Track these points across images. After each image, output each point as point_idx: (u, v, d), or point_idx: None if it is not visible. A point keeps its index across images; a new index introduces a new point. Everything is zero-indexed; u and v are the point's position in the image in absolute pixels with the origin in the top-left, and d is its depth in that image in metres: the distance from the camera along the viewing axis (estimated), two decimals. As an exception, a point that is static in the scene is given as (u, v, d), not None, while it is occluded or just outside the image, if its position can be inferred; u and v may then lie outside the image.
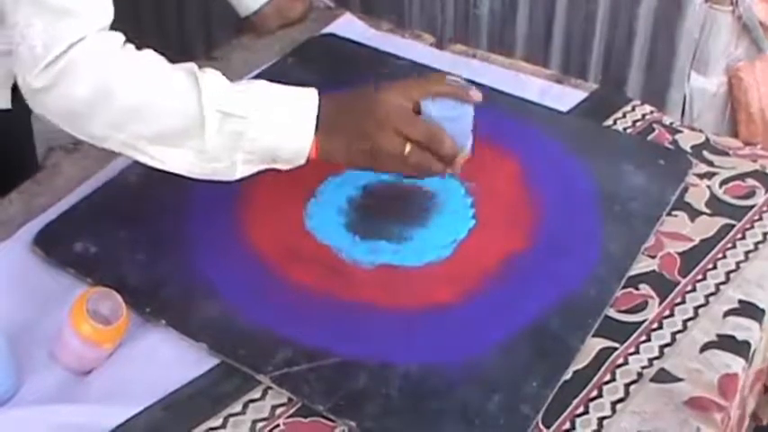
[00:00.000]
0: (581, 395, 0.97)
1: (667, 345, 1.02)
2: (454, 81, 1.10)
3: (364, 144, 1.05)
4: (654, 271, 1.11)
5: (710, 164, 1.26)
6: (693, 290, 1.08)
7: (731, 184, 1.22)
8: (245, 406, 0.97)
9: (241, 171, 1.05)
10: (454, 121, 1.07)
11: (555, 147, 1.28)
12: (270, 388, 0.98)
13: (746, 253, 1.13)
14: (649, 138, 1.31)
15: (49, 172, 1.25)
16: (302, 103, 1.05)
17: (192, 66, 1.04)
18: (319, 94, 1.06)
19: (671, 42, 1.75)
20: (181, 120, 1.01)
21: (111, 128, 1.01)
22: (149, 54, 1.04)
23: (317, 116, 1.04)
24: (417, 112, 1.06)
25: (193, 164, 1.04)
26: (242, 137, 1.02)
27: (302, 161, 1.06)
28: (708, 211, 1.18)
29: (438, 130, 1.05)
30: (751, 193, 1.21)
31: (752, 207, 1.19)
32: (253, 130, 1.02)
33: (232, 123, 1.01)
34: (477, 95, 1.09)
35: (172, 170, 1.05)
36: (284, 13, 1.54)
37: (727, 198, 1.20)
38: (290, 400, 0.97)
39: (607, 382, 0.98)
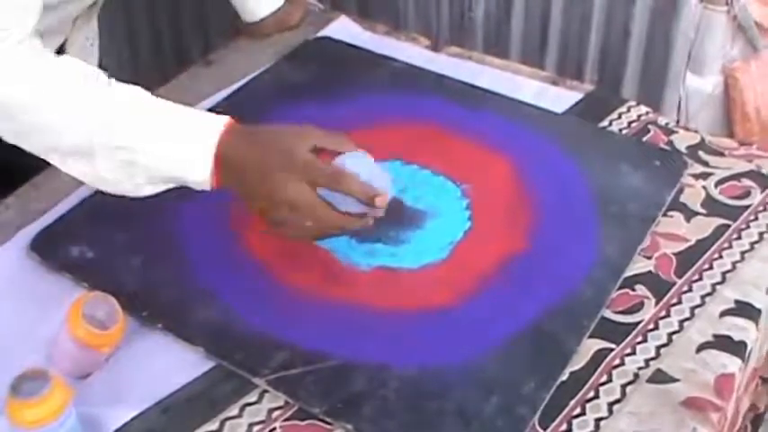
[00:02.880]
0: (578, 396, 0.97)
1: (663, 345, 1.02)
2: (362, 176, 1.03)
3: (262, 195, 1.03)
4: (650, 272, 1.11)
5: (706, 164, 1.26)
6: (689, 290, 1.08)
7: (727, 184, 1.22)
8: (242, 409, 0.97)
9: (148, 190, 1.05)
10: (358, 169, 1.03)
11: (550, 148, 1.28)
12: (266, 391, 0.98)
13: (742, 253, 1.13)
14: (645, 138, 1.31)
15: (45, 176, 1.25)
16: (202, 136, 1.02)
17: (100, 78, 1.03)
18: (228, 123, 1.02)
19: (666, 43, 1.75)
20: (76, 144, 1.02)
21: (16, 138, 1.03)
22: (60, 67, 1.03)
23: (216, 151, 1.01)
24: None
25: (97, 181, 1.05)
26: (135, 165, 1.02)
27: (207, 188, 1.04)
28: (703, 211, 1.19)
29: (343, 222, 1.03)
30: (746, 194, 1.21)
31: (747, 207, 1.19)
32: (145, 161, 1.01)
33: (123, 154, 1.01)
34: (381, 203, 1.04)
35: (83, 181, 1.06)
36: (284, 21, 1.54)
37: (723, 198, 1.20)
38: (286, 403, 0.97)
39: (603, 383, 0.98)
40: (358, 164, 1.03)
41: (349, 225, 1.05)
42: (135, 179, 1.03)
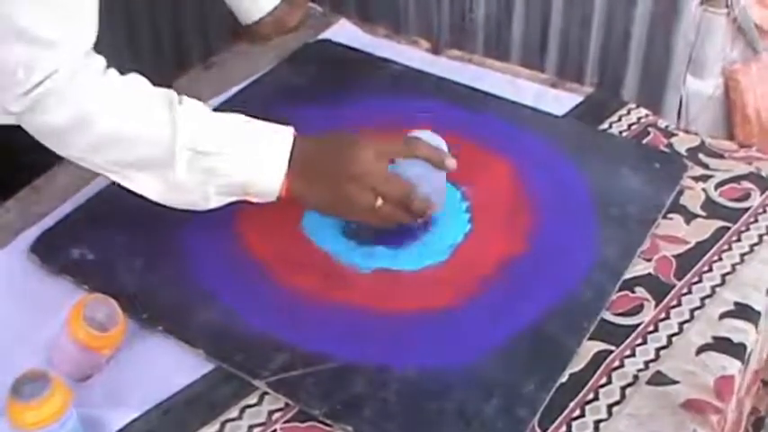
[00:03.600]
0: (577, 398, 0.97)
1: (663, 347, 1.02)
2: (432, 144, 1.12)
3: (336, 194, 1.08)
4: (649, 274, 1.11)
5: (706, 166, 1.26)
6: (689, 292, 1.08)
7: (726, 186, 1.23)
8: (242, 411, 0.97)
9: (215, 202, 1.08)
10: (426, 177, 1.10)
11: (551, 151, 1.28)
12: (266, 393, 0.98)
13: (742, 255, 1.13)
14: (645, 141, 1.31)
15: (46, 179, 1.25)
16: (276, 142, 1.07)
17: (172, 95, 1.05)
18: (296, 133, 1.08)
19: (666, 45, 1.75)
20: (154, 152, 1.04)
21: (86, 152, 1.05)
22: (131, 81, 1.06)
23: (290, 157, 1.06)
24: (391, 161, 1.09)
25: (165, 192, 1.07)
26: (213, 172, 1.05)
27: (273, 198, 1.08)
28: (703, 213, 1.19)
29: (410, 190, 1.09)
30: (746, 196, 1.21)
31: (747, 209, 1.19)
32: (224, 166, 1.05)
33: (203, 160, 1.04)
34: (451, 164, 1.11)
35: (146, 195, 1.08)
36: (283, 22, 1.54)
37: (723, 200, 1.21)
38: (286, 405, 0.97)
39: (603, 385, 0.99)
40: (417, 168, 1.10)
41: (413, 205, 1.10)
42: (208, 188, 1.06)
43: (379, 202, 1.08)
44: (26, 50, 0.98)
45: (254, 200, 1.09)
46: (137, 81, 1.06)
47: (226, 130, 1.07)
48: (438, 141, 1.13)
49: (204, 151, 1.04)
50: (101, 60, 1.04)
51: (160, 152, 1.03)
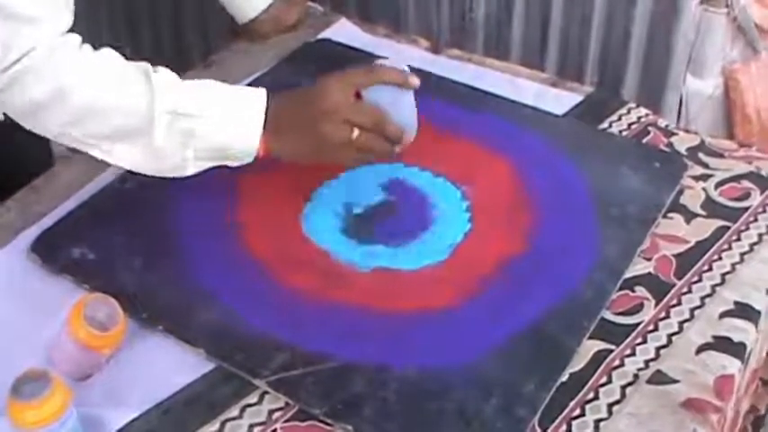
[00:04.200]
0: (577, 397, 0.97)
1: (663, 346, 1.02)
2: (391, 66, 1.15)
3: (312, 136, 1.09)
4: (649, 273, 1.11)
5: (706, 166, 1.26)
6: (689, 291, 1.08)
7: (726, 185, 1.23)
8: (242, 410, 0.97)
9: (192, 167, 1.09)
10: (396, 105, 1.12)
11: (551, 150, 1.28)
12: (267, 392, 0.98)
13: (742, 254, 1.13)
14: (645, 140, 1.31)
15: (45, 179, 1.25)
16: (251, 102, 1.09)
17: (145, 65, 1.07)
18: (268, 92, 1.09)
19: (666, 45, 1.75)
20: (132, 119, 1.05)
21: (65, 126, 1.05)
22: (105, 54, 1.07)
23: (265, 115, 1.08)
24: (358, 97, 1.11)
25: (145, 161, 1.08)
26: (192, 135, 1.06)
27: (250, 159, 1.10)
28: (703, 213, 1.19)
29: (382, 113, 1.10)
30: (746, 195, 1.21)
31: (747, 209, 1.19)
32: (203, 128, 1.06)
33: (182, 122, 1.05)
34: (414, 81, 1.14)
35: (124, 166, 1.10)
36: (280, 20, 1.54)
37: (723, 200, 1.21)
38: (286, 404, 0.97)
39: (603, 384, 0.99)
40: (384, 94, 1.12)
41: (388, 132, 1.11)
42: (187, 152, 1.07)
43: (355, 132, 1.09)
44: (4, 28, 0.99)
45: (233, 163, 1.10)
46: (111, 54, 1.07)
47: (202, 93, 1.08)
48: (399, 65, 1.15)
49: (183, 113, 1.05)
50: (76, 37, 1.05)
51: (138, 120, 1.04)
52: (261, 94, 1.09)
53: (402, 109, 1.13)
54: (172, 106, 1.05)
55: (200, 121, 1.06)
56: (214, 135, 1.07)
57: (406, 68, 1.15)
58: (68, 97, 1.02)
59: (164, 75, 1.07)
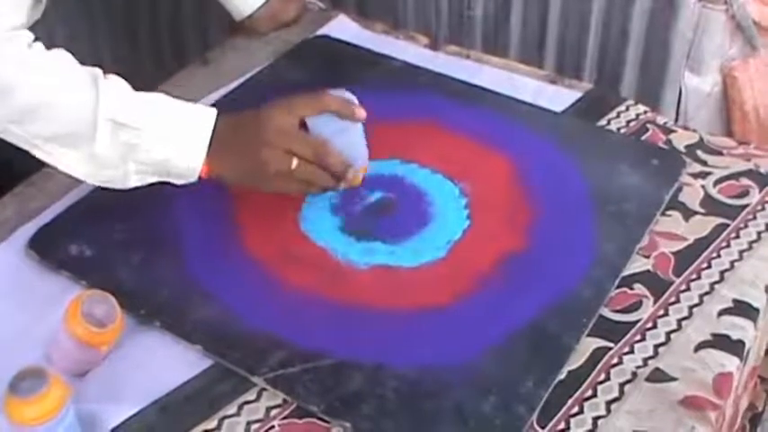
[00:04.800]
0: (576, 395, 0.97)
1: (662, 344, 1.02)
2: (341, 97, 1.12)
3: (252, 162, 1.07)
4: (648, 270, 1.11)
5: (704, 163, 1.26)
6: (688, 289, 1.08)
7: (725, 183, 1.22)
8: (240, 408, 0.97)
9: (134, 180, 1.08)
10: (342, 135, 1.10)
11: (549, 147, 1.28)
12: (264, 389, 0.98)
13: (741, 252, 1.13)
14: (643, 138, 1.31)
15: (43, 175, 1.25)
16: (199, 121, 1.07)
17: (96, 71, 1.05)
18: (218, 113, 1.08)
19: (665, 42, 1.75)
20: (75, 125, 1.03)
21: (9, 123, 1.04)
22: (56, 54, 1.05)
23: (211, 137, 1.06)
24: (304, 127, 1.09)
25: (85, 168, 1.07)
26: (134, 148, 1.05)
27: (194, 179, 1.08)
28: (702, 210, 1.19)
29: (324, 144, 1.08)
30: (745, 193, 1.21)
31: (746, 206, 1.19)
32: (145, 142, 1.05)
33: (125, 134, 1.04)
34: (360, 114, 1.11)
35: (67, 171, 1.08)
36: (278, 17, 1.54)
37: (722, 197, 1.20)
38: (284, 401, 0.97)
39: (602, 382, 0.99)
40: (329, 124, 1.10)
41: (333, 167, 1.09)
42: (128, 164, 1.06)
43: (294, 162, 1.07)
44: None
45: (176, 181, 1.09)
46: (62, 55, 1.06)
47: (149, 106, 1.06)
48: (348, 96, 1.13)
49: (126, 124, 1.03)
50: (27, 34, 1.04)
51: (83, 124, 1.03)
52: (210, 113, 1.08)
53: (349, 141, 1.11)
54: (116, 115, 1.03)
55: (143, 135, 1.04)
56: (156, 150, 1.05)
57: (354, 99, 1.13)
58: (12, 94, 1.01)
59: (114, 82, 1.06)
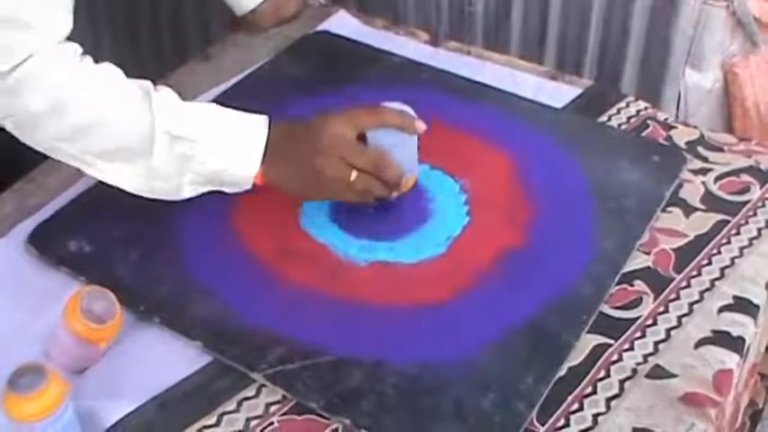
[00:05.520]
0: (575, 392, 0.97)
1: (662, 341, 1.02)
2: (400, 110, 1.12)
3: (309, 171, 1.07)
4: (648, 267, 1.10)
5: (705, 160, 1.26)
6: (688, 286, 1.08)
7: (726, 179, 1.22)
8: (240, 404, 0.97)
9: (187, 191, 1.08)
10: (398, 148, 1.10)
11: (549, 143, 1.28)
12: (264, 386, 0.98)
13: (741, 249, 1.13)
14: (644, 134, 1.31)
15: (42, 171, 1.25)
16: (252, 129, 1.07)
17: (147, 84, 1.05)
18: (270, 120, 1.08)
19: (666, 38, 1.75)
20: (131, 140, 1.03)
21: (60, 141, 1.04)
22: (106, 68, 1.05)
23: (266, 144, 1.06)
24: (362, 139, 1.09)
25: (140, 182, 1.07)
26: (190, 160, 1.04)
27: (248, 186, 1.09)
28: (702, 207, 1.18)
29: (382, 157, 1.08)
30: (745, 189, 1.21)
31: (746, 203, 1.19)
32: (201, 153, 1.04)
33: (181, 146, 1.03)
34: (421, 126, 1.11)
35: (119, 186, 1.08)
36: (279, 12, 1.54)
37: (722, 194, 1.20)
38: (284, 397, 0.97)
39: (601, 379, 0.98)
40: (387, 137, 1.10)
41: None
42: (184, 176, 1.06)
43: (353, 175, 1.07)
44: (3, 34, 0.97)
45: (229, 189, 1.09)
46: (111, 69, 1.06)
47: (203, 116, 1.06)
48: (406, 109, 1.13)
49: (181, 136, 1.03)
50: (76, 47, 1.04)
51: (138, 139, 1.03)
52: (263, 121, 1.07)
53: (404, 154, 1.12)
54: (172, 128, 1.03)
55: (198, 146, 1.04)
56: (212, 160, 1.05)
57: (412, 112, 1.13)
58: (66, 111, 1.01)
59: (165, 94, 1.06)
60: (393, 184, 1.10)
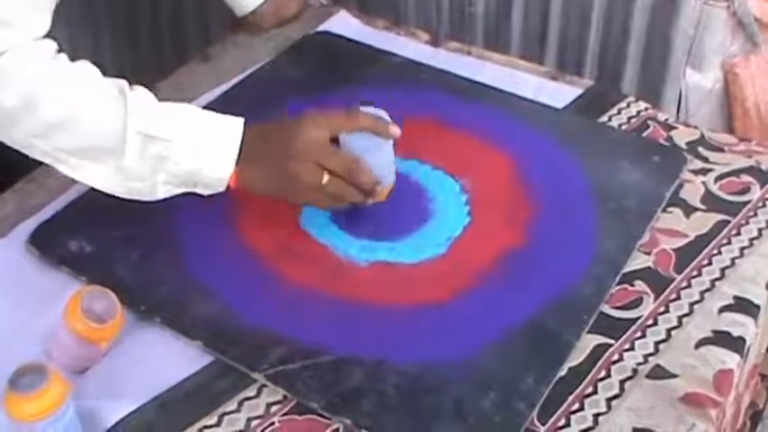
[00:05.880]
0: (576, 392, 0.97)
1: (662, 341, 1.02)
2: (375, 115, 1.11)
3: (282, 174, 1.07)
4: (649, 267, 1.10)
5: (705, 160, 1.26)
6: (688, 286, 1.08)
7: (726, 180, 1.22)
8: (240, 404, 0.97)
9: (162, 192, 1.07)
10: (373, 152, 1.09)
11: (550, 144, 1.28)
12: (265, 386, 0.98)
13: (741, 249, 1.13)
14: (644, 134, 1.31)
15: (43, 171, 1.25)
16: (227, 131, 1.07)
17: (122, 83, 1.05)
18: (246, 123, 1.07)
19: (666, 39, 1.75)
20: (104, 138, 1.03)
21: (33, 137, 1.03)
22: (81, 66, 1.05)
23: (240, 146, 1.06)
24: (336, 142, 1.08)
25: (114, 181, 1.06)
26: (165, 160, 1.04)
27: (222, 188, 1.08)
28: (703, 207, 1.18)
29: (356, 161, 1.08)
30: (746, 189, 1.21)
31: (747, 203, 1.19)
32: (176, 153, 1.04)
33: (155, 146, 1.03)
34: (395, 131, 1.11)
35: (92, 185, 1.07)
36: (280, 13, 1.54)
37: (722, 194, 1.20)
38: (284, 397, 0.97)
39: (602, 379, 0.98)
40: (361, 141, 1.09)
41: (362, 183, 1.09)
42: (157, 176, 1.05)
43: (326, 178, 1.07)
44: None
45: (203, 191, 1.09)
46: (87, 67, 1.05)
47: (177, 117, 1.06)
48: (381, 114, 1.12)
49: (156, 136, 1.03)
50: (52, 44, 1.03)
51: (110, 138, 1.02)
52: (238, 123, 1.07)
53: (379, 159, 1.11)
54: (146, 128, 1.03)
55: (172, 146, 1.04)
56: (187, 161, 1.05)
57: (387, 117, 1.12)
58: (39, 108, 1.00)
59: (140, 94, 1.05)
60: (366, 189, 1.09)
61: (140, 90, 1.06)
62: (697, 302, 1.06)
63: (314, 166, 1.06)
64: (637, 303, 1.06)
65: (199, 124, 1.07)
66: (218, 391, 0.98)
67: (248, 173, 1.07)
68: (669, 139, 1.30)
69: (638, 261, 1.11)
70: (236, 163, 1.06)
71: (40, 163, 1.24)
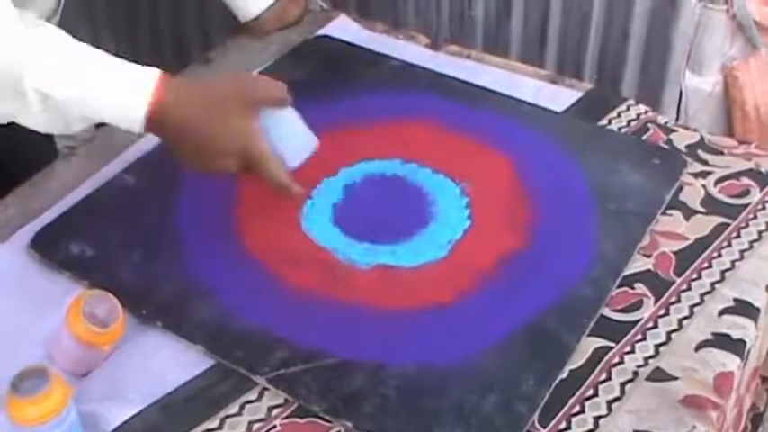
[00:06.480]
0: (577, 394, 0.97)
1: (663, 343, 1.02)
2: (263, 85, 1.12)
3: (204, 157, 1.07)
4: (649, 270, 1.11)
5: (705, 163, 1.26)
6: (689, 289, 1.08)
7: (726, 182, 1.23)
8: (242, 407, 0.97)
9: (78, 128, 1.06)
10: (277, 128, 1.10)
11: (550, 147, 1.28)
12: (266, 389, 0.98)
13: (741, 251, 1.13)
14: (644, 137, 1.31)
15: (44, 175, 1.25)
16: (136, 88, 1.03)
17: (33, 20, 1.02)
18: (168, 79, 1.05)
19: (666, 42, 1.75)
20: (6, 94, 1.01)
21: None
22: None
23: (151, 109, 1.03)
24: None
25: (21, 119, 1.04)
26: (67, 114, 1.03)
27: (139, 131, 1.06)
28: (703, 210, 1.19)
29: (265, 163, 1.08)
30: (746, 192, 1.21)
31: (747, 206, 1.19)
32: (75, 110, 1.03)
33: (56, 103, 1.01)
34: (285, 97, 1.11)
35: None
36: (282, 18, 1.54)
37: (722, 197, 1.21)
38: (286, 400, 0.97)
39: (603, 381, 0.99)
40: (279, 124, 1.10)
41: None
42: (69, 124, 1.05)
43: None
44: None
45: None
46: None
47: (83, 67, 1.03)
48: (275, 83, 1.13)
49: (53, 96, 1.01)
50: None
51: (13, 96, 1.01)
52: (152, 78, 1.04)
53: (285, 131, 1.12)
54: (48, 89, 1.00)
55: (69, 105, 1.02)
56: (92, 115, 1.04)
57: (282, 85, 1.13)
58: None
59: (46, 44, 1.01)
60: (274, 185, 1.10)
61: (48, 31, 1.02)
62: (697, 305, 1.06)
63: (233, 159, 1.07)
64: (637, 306, 1.06)
65: (106, 79, 1.03)
66: (220, 394, 0.98)
67: (167, 130, 1.06)
68: (669, 142, 1.30)
69: (638, 264, 1.11)
70: (154, 121, 1.03)
71: (41, 168, 1.25)
